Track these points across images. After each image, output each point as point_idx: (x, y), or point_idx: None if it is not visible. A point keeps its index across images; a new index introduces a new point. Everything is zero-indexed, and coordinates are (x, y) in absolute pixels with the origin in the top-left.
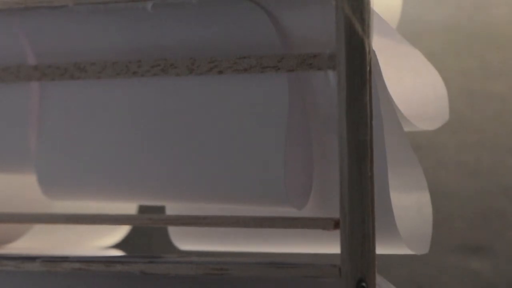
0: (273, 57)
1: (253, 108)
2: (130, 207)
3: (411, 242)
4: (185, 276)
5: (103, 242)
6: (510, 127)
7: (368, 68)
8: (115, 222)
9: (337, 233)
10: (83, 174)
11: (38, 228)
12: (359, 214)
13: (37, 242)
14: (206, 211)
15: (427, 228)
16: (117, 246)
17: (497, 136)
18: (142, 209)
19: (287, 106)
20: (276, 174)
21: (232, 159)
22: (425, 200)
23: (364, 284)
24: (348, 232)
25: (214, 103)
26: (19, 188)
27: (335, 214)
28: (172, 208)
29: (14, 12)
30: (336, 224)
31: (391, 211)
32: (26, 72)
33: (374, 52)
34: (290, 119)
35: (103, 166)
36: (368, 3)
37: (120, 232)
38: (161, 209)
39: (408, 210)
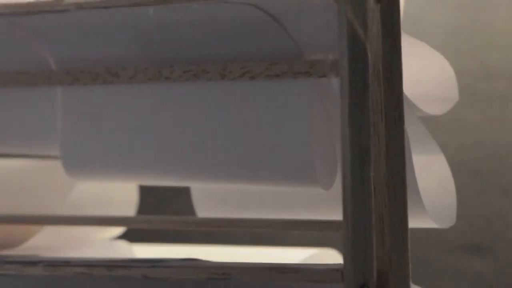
0: (305, 63)
1: (281, 101)
2: (129, 208)
3: (436, 216)
4: (188, 280)
5: (110, 233)
6: (510, 127)
7: (370, 72)
8: (118, 223)
9: (332, 196)
10: (107, 155)
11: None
12: (362, 218)
13: (47, 238)
14: (231, 191)
15: (451, 200)
16: (122, 235)
17: (497, 136)
18: (142, 211)
19: (314, 98)
20: (306, 155)
21: (262, 142)
22: (446, 173)
23: None
24: (351, 237)
25: (242, 100)
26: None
27: None
28: (198, 191)
29: (31, 19)
30: (339, 226)
31: (416, 186)
32: (59, 77)
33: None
34: (315, 108)
35: (128, 147)
36: (371, 9)
37: None
38: (160, 210)
39: (430, 184)
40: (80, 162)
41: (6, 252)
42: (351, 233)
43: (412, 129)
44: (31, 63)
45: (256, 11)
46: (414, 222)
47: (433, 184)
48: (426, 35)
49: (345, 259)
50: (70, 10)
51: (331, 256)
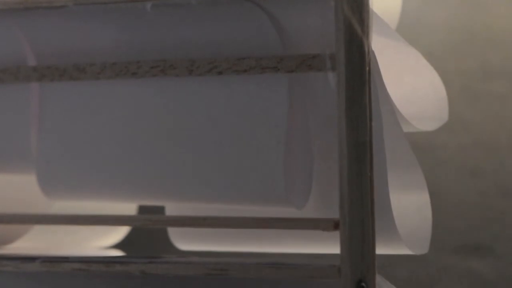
0: (272, 58)
1: (253, 108)
2: (129, 208)
3: (410, 242)
4: (185, 277)
5: (103, 242)
6: (510, 127)
7: (367, 69)
8: (116, 222)
9: (336, 233)
10: (83, 174)
11: (38, 228)
12: (359, 214)
13: (37, 242)
14: (206, 212)
15: (427, 228)
16: (117, 246)
17: (497, 136)
18: (142, 210)
19: (287, 107)
20: (276, 174)
21: (232, 160)
22: (425, 201)
23: (363, 284)
24: (348, 233)
25: (214, 104)
26: (19, 187)
27: (335, 214)
28: (172, 208)
29: (14, 13)
30: (336, 225)
31: (391, 212)
32: (26, 73)
33: (373, 52)
34: (289, 120)
35: (103, 167)
36: (367, 4)
37: (120, 232)
38: (161, 210)
39: (408, 210)
40: (56, 181)
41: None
42: (348, 230)
43: (399, 153)
44: (9, 59)
45: (247, 5)
46: (388, 248)
47: (410, 211)
48: (426, 35)
49: (342, 255)
50: (68, 6)
51: None
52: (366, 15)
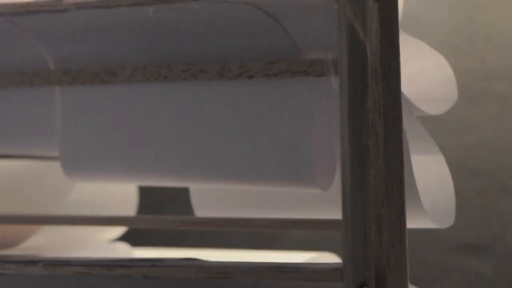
0: (302, 62)
1: (279, 105)
2: (129, 209)
3: (435, 216)
4: (187, 280)
5: (109, 235)
6: (510, 127)
7: (370, 72)
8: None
9: (332, 196)
10: (106, 156)
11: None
12: (361, 217)
13: (45, 238)
14: (230, 191)
15: (450, 201)
16: (122, 237)
17: (497, 136)
18: (141, 209)
19: (312, 98)
20: (304, 156)
21: (261, 143)
22: (445, 173)
23: (365, 287)
24: (350, 235)
25: (245, 101)
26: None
27: None
28: (196, 190)
29: (28, 17)
30: (338, 225)
31: (415, 186)
32: (57, 77)
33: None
34: (314, 108)
35: (127, 148)
36: (370, 8)
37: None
38: (159, 210)
39: (429, 184)
40: (79, 164)
41: (4, 252)
42: (351, 232)
43: (411, 129)
44: (30, 63)
45: (254, 10)
46: (413, 222)
47: (432, 185)
48: (426, 35)
49: (344, 258)
50: (70, 9)
51: (329, 259)
52: (369, 19)
